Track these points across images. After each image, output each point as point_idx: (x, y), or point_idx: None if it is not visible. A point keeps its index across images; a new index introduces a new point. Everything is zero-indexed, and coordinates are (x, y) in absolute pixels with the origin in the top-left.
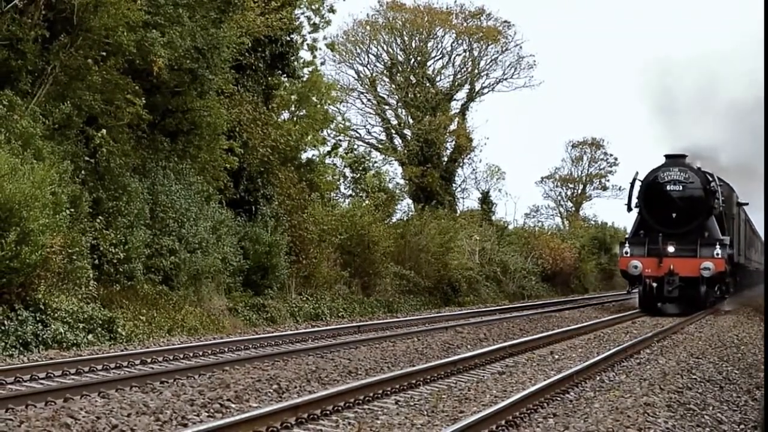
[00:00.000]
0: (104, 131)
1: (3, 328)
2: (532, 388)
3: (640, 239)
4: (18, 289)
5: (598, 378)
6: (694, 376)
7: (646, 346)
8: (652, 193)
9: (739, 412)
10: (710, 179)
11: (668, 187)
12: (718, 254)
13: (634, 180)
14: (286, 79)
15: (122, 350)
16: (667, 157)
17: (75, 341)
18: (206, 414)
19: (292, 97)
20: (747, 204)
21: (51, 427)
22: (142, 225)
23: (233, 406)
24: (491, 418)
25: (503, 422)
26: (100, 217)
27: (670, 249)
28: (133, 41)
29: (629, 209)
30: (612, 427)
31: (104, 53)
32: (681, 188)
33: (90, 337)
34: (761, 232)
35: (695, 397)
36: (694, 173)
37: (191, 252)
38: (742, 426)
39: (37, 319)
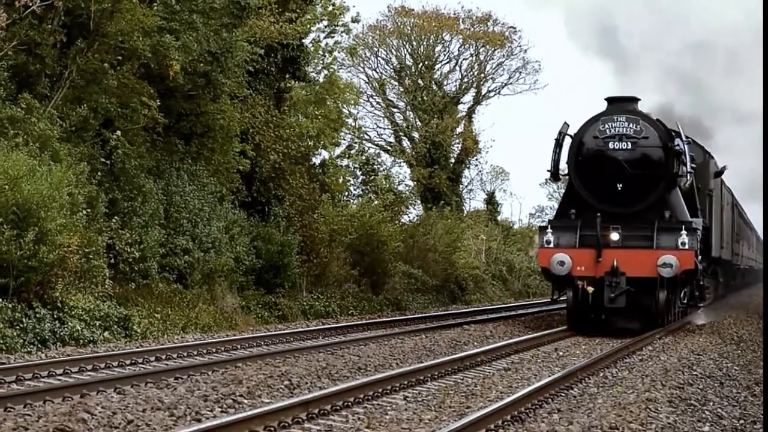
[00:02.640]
0: (120, 133)
1: (21, 325)
2: (537, 384)
3: (569, 222)
4: (36, 288)
5: (601, 374)
6: (694, 373)
7: (648, 343)
8: (587, 154)
9: (738, 408)
10: (674, 134)
11: (611, 145)
12: (684, 244)
13: (562, 135)
14: (297, 83)
15: (137, 347)
16: (611, 100)
17: (91, 338)
18: (219, 409)
19: (309, 99)
20: (725, 169)
21: (68, 422)
22: (156, 225)
23: (246, 401)
24: (497, 413)
25: (509, 417)
26: (115, 217)
27: (614, 237)
28: (148, 46)
29: (555, 178)
30: (615, 422)
31: (120, 57)
32: (630, 146)
33: (106, 334)
34: (758, 227)
35: (696, 392)
36: (650, 125)
37: (205, 251)
38: (741, 421)
39: (55, 316)
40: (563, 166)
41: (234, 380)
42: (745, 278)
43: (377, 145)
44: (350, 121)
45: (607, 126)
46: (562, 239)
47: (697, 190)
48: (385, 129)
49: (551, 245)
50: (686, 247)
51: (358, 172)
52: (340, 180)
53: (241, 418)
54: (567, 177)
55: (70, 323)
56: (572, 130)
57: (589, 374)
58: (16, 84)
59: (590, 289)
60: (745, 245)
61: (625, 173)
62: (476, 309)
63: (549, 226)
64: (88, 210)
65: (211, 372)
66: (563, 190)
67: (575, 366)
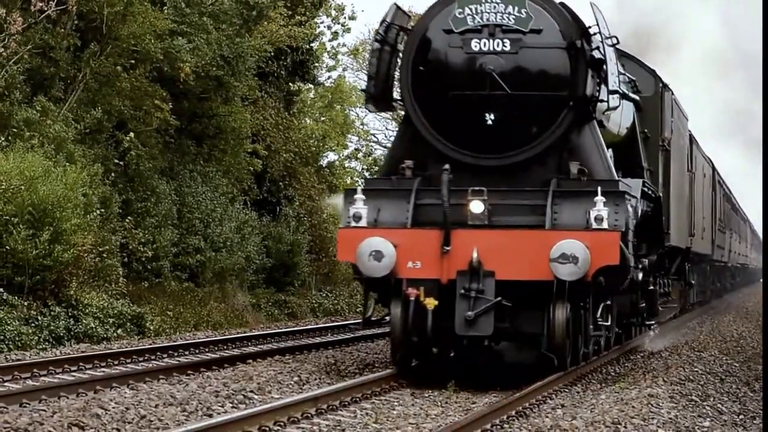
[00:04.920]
0: (133, 135)
1: (37, 323)
2: (542, 381)
3: (398, 183)
4: (51, 286)
5: (604, 371)
6: (695, 369)
7: (650, 340)
8: (433, 62)
9: (738, 403)
10: (590, 30)
11: (475, 45)
12: (600, 219)
13: (393, 30)
14: (306, 86)
15: (150, 344)
16: None
17: (105, 336)
18: (230, 405)
19: (317, 103)
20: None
21: (82, 418)
22: (169, 225)
23: (256, 397)
24: (502, 408)
25: (513, 412)
26: (129, 217)
27: (476, 208)
28: (160, 49)
29: (382, 106)
30: (617, 418)
31: (133, 61)
32: (509, 46)
33: (119, 331)
34: (754, 223)
35: (696, 388)
36: (545, 9)
37: (216, 251)
38: (741, 416)
39: (69, 314)
40: (396, 85)
41: (244, 376)
42: (735, 279)
43: (385, 147)
44: (357, 123)
45: (467, 11)
46: (383, 213)
47: (643, 138)
48: (393, 131)
49: (361, 223)
50: (604, 224)
51: (366, 174)
52: (348, 181)
53: (252, 414)
54: (401, 104)
55: (84, 321)
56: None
57: (592, 371)
58: (31, 87)
59: (431, 302)
60: (735, 238)
61: (498, 96)
62: None
63: (359, 190)
64: (103, 210)
65: (222, 368)
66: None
67: (580, 365)
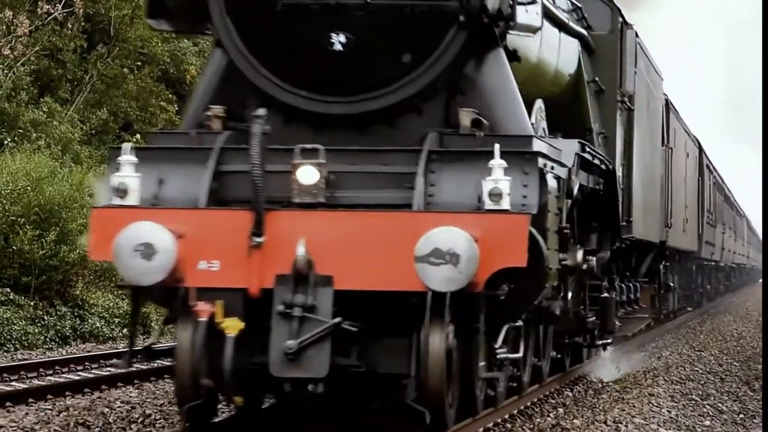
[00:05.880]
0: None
1: (43, 322)
2: (544, 381)
3: (199, 140)
4: (57, 286)
5: (605, 370)
6: (696, 368)
7: (650, 340)
8: None
9: (738, 402)
10: None
11: None
12: (497, 195)
13: None
14: None
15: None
16: None
17: (111, 335)
18: None
19: None
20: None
21: (88, 417)
22: None
23: None
24: (504, 408)
25: (516, 411)
26: None
27: (307, 177)
28: (166, 51)
29: (183, 24)
30: (618, 417)
31: (139, 63)
32: None
33: (125, 331)
34: (751, 221)
35: (697, 388)
36: None
37: None
38: (741, 415)
39: (75, 314)
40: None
41: None
42: (730, 280)
43: None
44: None
45: None
46: (168, 185)
47: (595, 91)
48: None
49: (129, 199)
50: (504, 203)
51: None
52: None
53: None
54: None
55: (90, 320)
56: None
57: (593, 370)
58: (38, 88)
59: (233, 325)
60: (729, 234)
61: (352, 6)
62: None
63: (128, 149)
64: None
65: None
66: None
67: (577, 365)
